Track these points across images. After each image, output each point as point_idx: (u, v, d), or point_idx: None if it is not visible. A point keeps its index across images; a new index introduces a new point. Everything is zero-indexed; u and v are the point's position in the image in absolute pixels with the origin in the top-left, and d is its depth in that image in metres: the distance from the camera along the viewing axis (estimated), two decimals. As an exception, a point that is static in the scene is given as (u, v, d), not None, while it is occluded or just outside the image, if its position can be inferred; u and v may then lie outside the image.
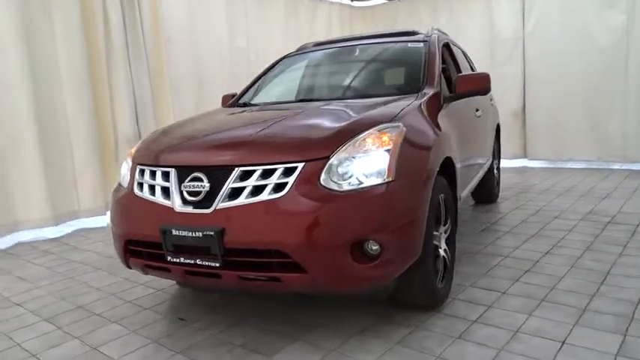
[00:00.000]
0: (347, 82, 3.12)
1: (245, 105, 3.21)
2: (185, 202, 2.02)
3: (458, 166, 2.73)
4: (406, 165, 2.02)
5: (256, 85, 3.46)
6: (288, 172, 1.92)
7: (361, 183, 1.92)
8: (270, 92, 3.32)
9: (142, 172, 2.26)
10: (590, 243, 3.25)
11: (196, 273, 2.03)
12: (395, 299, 2.34)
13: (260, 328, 2.33)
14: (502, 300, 2.46)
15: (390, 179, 1.94)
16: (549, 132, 6.75)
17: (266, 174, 1.94)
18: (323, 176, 1.90)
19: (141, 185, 2.23)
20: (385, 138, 2.02)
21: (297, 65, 3.51)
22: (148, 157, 2.29)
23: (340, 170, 1.92)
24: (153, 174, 2.20)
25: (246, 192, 1.92)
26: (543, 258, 3.02)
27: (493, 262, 3.00)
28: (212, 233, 1.90)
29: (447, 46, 3.66)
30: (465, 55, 4.44)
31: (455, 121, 2.91)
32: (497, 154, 4.81)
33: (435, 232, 2.31)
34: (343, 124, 2.12)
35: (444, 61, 3.43)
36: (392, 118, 2.14)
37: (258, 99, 3.27)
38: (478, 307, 2.39)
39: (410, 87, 2.83)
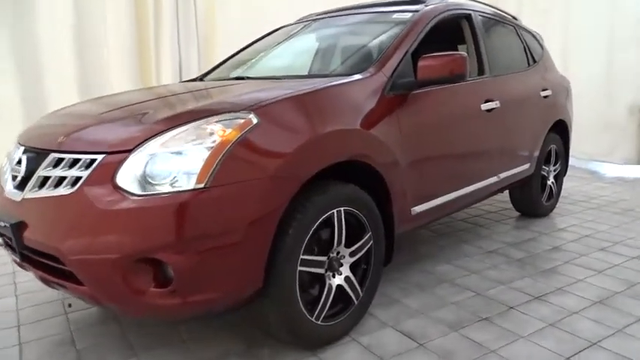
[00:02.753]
0: (297, 59, 2.64)
1: (194, 80, 2.94)
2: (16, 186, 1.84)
3: (394, 178, 2.12)
4: (242, 170, 1.57)
5: (236, 57, 3.15)
6: (89, 164, 1.61)
7: (173, 186, 1.53)
8: (232, 66, 2.97)
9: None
10: (611, 294, 2.37)
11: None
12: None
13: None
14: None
15: (202, 186, 1.51)
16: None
17: (73, 164, 1.65)
18: (120, 174, 1.54)
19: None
20: (214, 132, 1.59)
21: (276, 39, 3.09)
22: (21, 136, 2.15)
23: (148, 169, 1.55)
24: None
25: (49, 183, 1.66)
26: (525, 305, 2.28)
27: (451, 299, 2.34)
28: (7, 225, 1.69)
29: (466, 19, 2.93)
30: (520, 34, 3.55)
31: (421, 118, 2.29)
32: (558, 158, 3.84)
33: (309, 257, 1.81)
34: (179, 111, 1.73)
35: (445, 40, 2.75)
36: (245, 107, 1.68)
37: (218, 73, 2.95)
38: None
39: (355, 69, 2.27)
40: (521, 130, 3.18)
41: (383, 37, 2.45)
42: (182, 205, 1.49)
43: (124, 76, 4.76)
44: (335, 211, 1.87)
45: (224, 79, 2.68)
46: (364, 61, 2.37)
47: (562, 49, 6.11)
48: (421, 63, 2.21)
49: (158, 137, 1.58)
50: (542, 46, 3.85)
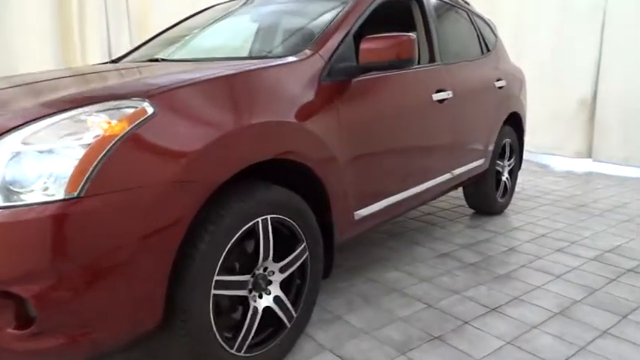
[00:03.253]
0: (230, 39, 2.30)
1: (114, 61, 2.54)
2: None
3: (333, 178, 1.83)
4: (131, 175, 1.22)
5: (163, 37, 2.76)
6: None
7: (43, 195, 1.17)
8: (156, 47, 2.59)
9: None
10: (571, 303, 2.18)
11: None
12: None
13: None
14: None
15: (75, 195, 1.16)
16: (624, 129, 5.29)
17: None
18: (-32, 179, 1.17)
19: None
20: (95, 125, 1.23)
21: (209, 17, 2.72)
22: None
23: (8, 172, 1.18)
24: None
25: None
26: (480, 319, 2.04)
27: (399, 313, 2.08)
28: None
29: (416, 1, 2.66)
30: (473, 20, 3.32)
31: (364, 108, 1.99)
32: (512, 153, 3.66)
33: (227, 278, 1.49)
34: (53, 97, 1.36)
35: (393, 24, 2.46)
36: (139, 93, 1.33)
37: (138, 55, 2.56)
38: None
39: (290, 50, 1.96)
40: (475, 122, 2.96)
41: (325, 16, 2.13)
42: (44, 222, 1.13)
43: (43, 62, 4.26)
44: (260, 220, 1.55)
45: (139, 62, 2.30)
46: (300, 42, 2.05)
47: (513, 38, 6.01)
48: (363, 45, 1.92)
49: (19, 130, 1.21)
50: (495, 35, 3.66)
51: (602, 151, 5.50)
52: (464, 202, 3.80)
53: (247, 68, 1.60)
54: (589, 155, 5.67)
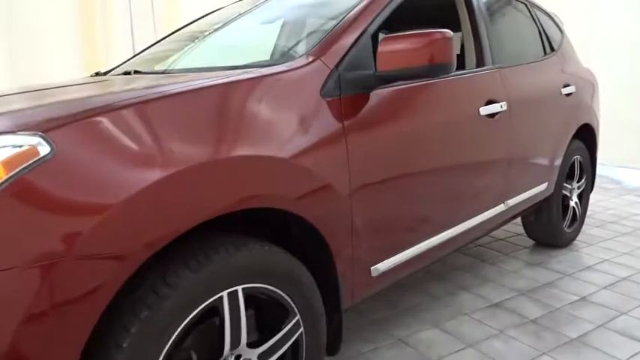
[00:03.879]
0: (230, 45, 1.88)
1: (98, 74, 2.19)
2: None
3: (339, 228, 1.36)
4: (12, 245, 0.82)
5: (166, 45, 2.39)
6: None
7: None
8: (158, 57, 2.21)
9: None
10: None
11: None
12: None
13: None
14: None
15: None
16: None
17: None
18: None
19: None
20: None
21: (213, 22, 2.32)
22: None
23: None
24: None
25: None
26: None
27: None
28: None
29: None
30: (534, 14, 2.75)
31: (384, 132, 1.52)
32: (582, 172, 3.04)
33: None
34: None
35: (429, 20, 1.98)
36: (31, 126, 0.92)
37: (133, 65, 2.19)
38: None
39: (288, 55, 1.52)
40: (536, 139, 2.39)
41: (335, 11, 1.67)
42: None
43: (65, 65, 4.03)
44: (225, 293, 1.11)
45: (116, 74, 1.92)
46: (299, 45, 1.60)
47: (581, 37, 5.29)
48: (382, 47, 1.44)
49: None
50: (561, 31, 3.06)
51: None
52: (522, 230, 3.21)
53: (207, 83, 1.16)
54: (674, 169, 4.86)
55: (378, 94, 1.51)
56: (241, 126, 1.14)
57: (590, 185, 3.16)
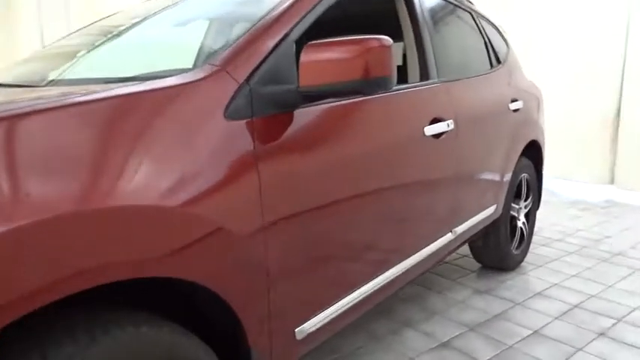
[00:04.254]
0: (130, 51, 1.54)
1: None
2: None
3: (249, 293, 1.07)
4: None
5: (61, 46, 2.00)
6: None
7: None
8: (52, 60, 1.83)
9: None
10: None
11: None
12: None
13: None
14: None
15: None
16: (654, 151, 4.54)
17: None
18: None
19: None
20: None
21: (117, 23, 1.97)
22: None
23: None
24: None
25: None
26: None
27: None
28: None
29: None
30: (480, 24, 2.58)
31: (307, 161, 1.24)
32: (529, 191, 2.90)
33: None
34: None
35: (367, 27, 1.74)
36: None
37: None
38: None
39: (183, 65, 1.21)
40: (484, 159, 2.20)
41: (256, 12, 1.38)
42: None
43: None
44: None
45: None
46: (200, 53, 1.30)
47: (522, 46, 5.29)
48: (306, 56, 1.16)
49: None
50: (506, 42, 2.91)
51: (627, 177, 4.74)
52: (468, 251, 3.04)
53: (57, 104, 0.84)
54: (611, 181, 4.91)
55: (302, 114, 1.23)
56: (101, 163, 0.82)
57: (536, 204, 3.03)
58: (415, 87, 1.75)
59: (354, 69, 1.14)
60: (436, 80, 1.91)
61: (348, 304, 1.41)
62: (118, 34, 1.61)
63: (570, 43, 5.00)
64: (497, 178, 2.37)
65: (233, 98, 1.08)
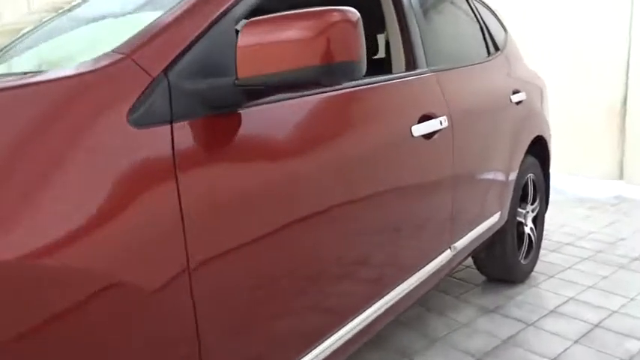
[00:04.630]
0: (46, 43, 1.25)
1: None
2: None
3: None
4: None
5: None
6: None
7: None
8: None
9: None
10: None
11: None
12: None
13: None
14: None
15: None
16: (665, 142, 4.25)
17: None
18: None
19: None
20: None
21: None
22: None
23: None
24: None
25: None
26: None
27: None
28: None
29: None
30: (474, 7, 2.29)
31: (255, 176, 0.94)
32: (536, 192, 2.60)
33: None
34: None
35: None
36: None
37: None
38: None
39: (78, 57, 0.91)
40: (485, 160, 1.90)
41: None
42: None
43: None
44: None
45: None
46: (104, 39, 1.00)
47: (518, 31, 5.00)
48: (245, 38, 0.86)
49: None
50: (504, 28, 2.62)
51: (637, 171, 4.44)
52: (470, 261, 2.75)
53: None
54: (620, 176, 4.61)
55: (245, 116, 0.93)
56: None
57: (544, 206, 2.73)
58: (399, 78, 1.45)
59: (309, 52, 0.84)
60: (425, 69, 1.61)
61: (319, 355, 1.10)
62: (34, 28, 1.31)
63: (571, 28, 4.71)
64: (500, 181, 2.07)
65: (142, 96, 0.78)
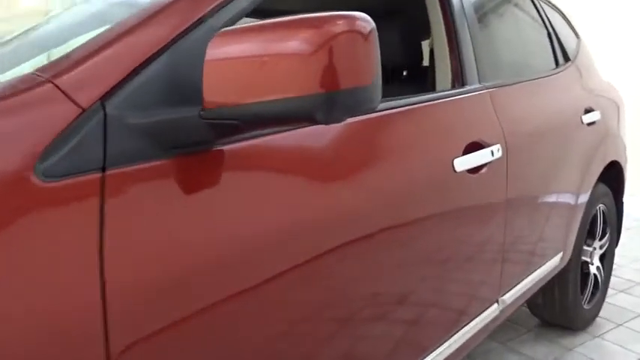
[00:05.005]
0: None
1: None
2: None
3: None
4: None
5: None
6: None
7: None
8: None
9: None
10: None
11: None
12: None
13: None
14: None
15: None
16: None
17: None
18: None
19: None
20: None
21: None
22: None
23: None
24: None
25: None
26: None
27: None
28: None
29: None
30: (541, 10, 1.96)
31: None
32: (605, 225, 2.23)
33: None
34: None
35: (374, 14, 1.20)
36: None
37: None
38: None
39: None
40: (546, 194, 1.59)
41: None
42: None
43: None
44: None
45: None
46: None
47: (594, 37, 4.51)
48: (214, 51, 0.63)
49: None
50: (576, 34, 2.27)
51: None
52: (524, 299, 2.41)
53: None
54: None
55: (216, 158, 0.70)
56: None
57: (615, 241, 2.35)
58: (441, 98, 1.18)
59: (302, 75, 0.60)
60: (477, 85, 1.33)
61: None
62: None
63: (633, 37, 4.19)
64: (564, 217, 1.74)
65: (63, 135, 0.57)
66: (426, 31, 1.50)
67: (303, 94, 0.60)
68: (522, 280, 1.52)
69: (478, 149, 1.21)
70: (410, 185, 1.00)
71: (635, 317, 2.26)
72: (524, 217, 1.46)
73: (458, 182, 1.14)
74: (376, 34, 0.64)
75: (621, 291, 2.55)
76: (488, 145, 1.25)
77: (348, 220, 0.86)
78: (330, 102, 0.61)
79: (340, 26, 0.61)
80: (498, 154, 1.27)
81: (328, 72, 0.60)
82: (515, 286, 1.48)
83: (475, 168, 1.19)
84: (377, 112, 0.98)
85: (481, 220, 1.24)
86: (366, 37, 0.62)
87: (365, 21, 0.63)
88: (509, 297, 1.44)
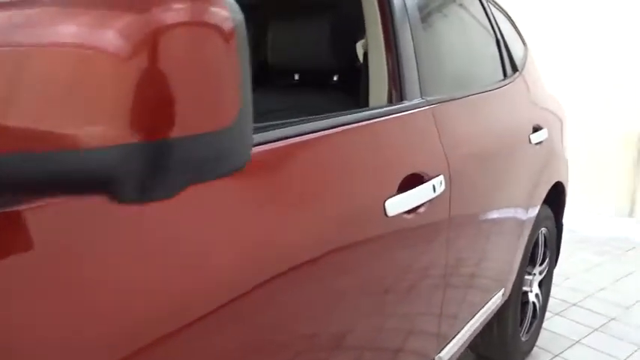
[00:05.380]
0: None
1: None
2: None
3: None
4: None
5: None
6: None
7: None
8: None
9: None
10: None
11: None
12: None
13: None
14: None
15: None
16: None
17: None
18: None
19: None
20: None
21: None
22: None
23: None
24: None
25: None
26: None
27: None
28: None
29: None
30: (489, 14, 1.75)
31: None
32: (546, 249, 2.09)
33: None
34: None
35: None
36: None
37: None
38: None
39: None
40: (491, 228, 1.38)
41: None
42: None
43: None
44: None
45: None
46: None
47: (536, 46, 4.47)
48: None
49: None
50: (523, 41, 2.10)
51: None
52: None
53: None
54: (630, 213, 4.13)
55: None
56: None
57: (554, 263, 2.22)
58: (372, 117, 0.91)
59: (95, 104, 0.31)
60: (419, 101, 1.08)
61: None
62: None
63: (585, 50, 4.19)
64: (509, 250, 1.55)
65: None
66: (361, 30, 1.23)
67: (95, 143, 0.31)
68: (462, 328, 1.30)
69: (417, 184, 0.96)
70: (323, 241, 0.73)
71: (572, 345, 2.15)
72: (467, 257, 1.23)
73: (390, 228, 0.88)
74: (244, 33, 0.35)
75: (556, 314, 2.44)
76: (429, 178, 1.00)
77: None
78: (151, 161, 0.32)
79: (176, 13, 0.32)
80: (441, 189, 1.02)
81: (148, 100, 0.31)
82: (454, 338, 1.25)
83: (411, 209, 0.94)
84: (286, 138, 0.70)
85: (416, 274, 0.99)
86: (226, 36, 0.34)
87: (226, 9, 0.34)
88: (445, 354, 1.21)
